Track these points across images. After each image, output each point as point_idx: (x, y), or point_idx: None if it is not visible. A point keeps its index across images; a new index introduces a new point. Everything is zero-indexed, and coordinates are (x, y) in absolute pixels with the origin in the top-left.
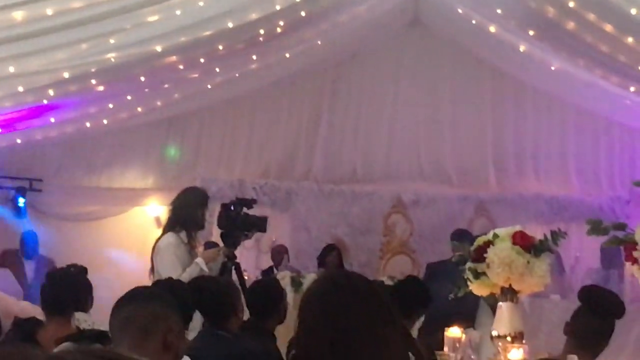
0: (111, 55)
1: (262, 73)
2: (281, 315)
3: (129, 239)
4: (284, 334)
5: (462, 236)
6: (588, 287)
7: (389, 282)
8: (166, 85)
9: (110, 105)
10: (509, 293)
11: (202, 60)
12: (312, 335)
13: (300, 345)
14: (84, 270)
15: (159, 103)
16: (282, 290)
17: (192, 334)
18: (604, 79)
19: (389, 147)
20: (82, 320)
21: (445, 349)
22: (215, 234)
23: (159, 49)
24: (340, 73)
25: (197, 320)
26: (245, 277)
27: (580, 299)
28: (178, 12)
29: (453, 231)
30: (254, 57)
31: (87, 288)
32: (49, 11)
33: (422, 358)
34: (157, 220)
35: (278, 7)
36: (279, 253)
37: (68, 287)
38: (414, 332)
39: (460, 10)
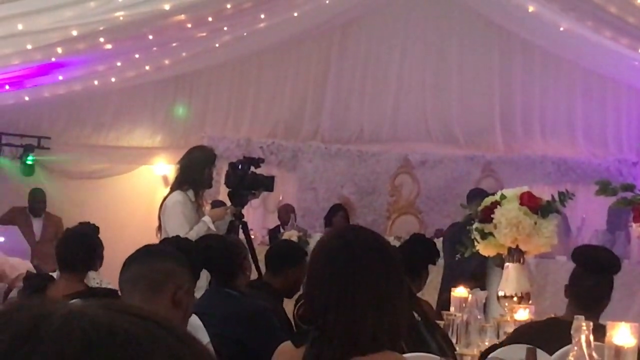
0: (119, 14)
1: (269, 32)
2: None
3: (137, 197)
4: None
5: (477, 196)
6: (580, 248)
7: (395, 242)
8: (174, 44)
9: (118, 64)
10: (516, 253)
11: (210, 19)
12: (318, 291)
13: (306, 301)
14: (96, 229)
15: (166, 62)
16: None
17: (198, 292)
18: (613, 41)
19: (396, 107)
20: (91, 278)
21: (452, 308)
22: (222, 193)
23: (167, 7)
24: (348, 33)
25: (204, 278)
26: (252, 236)
27: (574, 260)
28: None
29: (469, 191)
30: (262, 16)
31: (99, 247)
32: None
33: (427, 318)
34: (165, 178)
35: None
36: (285, 212)
37: (82, 245)
38: (425, 291)
39: None
